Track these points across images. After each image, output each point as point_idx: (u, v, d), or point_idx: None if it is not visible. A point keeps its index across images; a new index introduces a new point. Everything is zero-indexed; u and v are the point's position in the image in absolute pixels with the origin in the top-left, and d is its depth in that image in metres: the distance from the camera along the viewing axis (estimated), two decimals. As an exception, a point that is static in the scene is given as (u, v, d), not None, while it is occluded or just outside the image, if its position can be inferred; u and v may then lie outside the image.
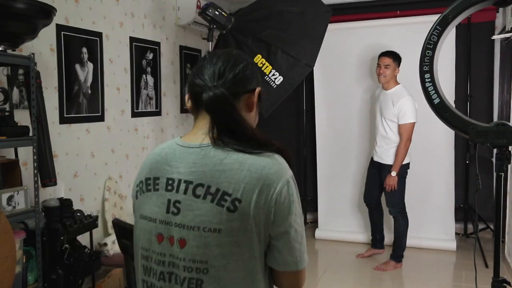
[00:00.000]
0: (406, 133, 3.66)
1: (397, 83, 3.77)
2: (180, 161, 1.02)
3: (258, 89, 1.09)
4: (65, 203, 2.75)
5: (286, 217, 0.98)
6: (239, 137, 1.00)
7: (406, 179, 3.86)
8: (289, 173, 1.01)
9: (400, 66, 3.89)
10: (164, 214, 1.00)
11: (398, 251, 3.89)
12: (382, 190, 3.89)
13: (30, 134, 2.44)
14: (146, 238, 1.03)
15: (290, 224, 0.99)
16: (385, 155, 3.81)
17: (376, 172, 3.93)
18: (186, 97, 1.10)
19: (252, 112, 1.10)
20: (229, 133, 1.00)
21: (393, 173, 3.70)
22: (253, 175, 0.96)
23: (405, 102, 3.64)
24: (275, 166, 0.99)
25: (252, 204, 0.95)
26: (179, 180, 1.00)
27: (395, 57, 3.74)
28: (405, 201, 3.90)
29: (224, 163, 0.97)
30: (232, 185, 0.95)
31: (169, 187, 1.01)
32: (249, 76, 1.07)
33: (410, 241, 4.16)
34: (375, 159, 3.91)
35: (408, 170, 3.83)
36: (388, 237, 4.26)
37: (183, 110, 4.46)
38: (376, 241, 4.13)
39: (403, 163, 3.73)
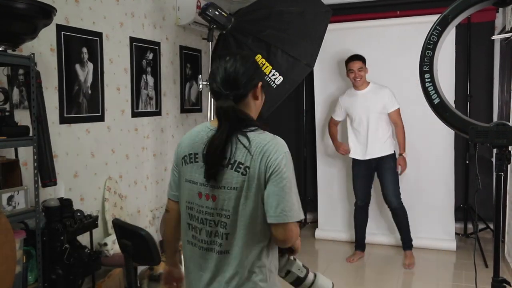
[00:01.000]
0: (399, 118, 3.92)
1: (368, 82, 4.00)
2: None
3: (261, 83, 1.48)
4: (65, 203, 2.76)
5: (279, 177, 1.36)
6: (246, 126, 1.42)
7: (406, 179, 3.98)
8: (285, 149, 1.42)
9: (397, 66, 4.08)
10: (202, 178, 1.43)
11: (409, 239, 4.00)
12: (370, 188, 4.09)
13: (30, 134, 2.44)
14: (191, 194, 1.47)
15: (282, 180, 1.36)
16: (383, 148, 3.91)
17: (369, 172, 4.02)
18: (210, 90, 1.49)
19: (258, 100, 1.50)
20: (239, 125, 1.40)
21: (405, 154, 3.90)
22: (258, 150, 1.38)
23: (388, 92, 3.91)
24: (274, 144, 1.40)
25: (256, 169, 1.37)
26: None
27: (363, 59, 3.96)
28: (405, 201, 3.99)
29: (241, 142, 1.38)
30: (244, 157, 1.37)
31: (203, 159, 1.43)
32: (254, 75, 1.46)
33: (410, 241, 4.16)
34: (370, 156, 3.93)
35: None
36: (387, 237, 4.27)
37: (183, 110, 4.46)
38: (364, 244, 4.18)
39: (391, 152, 3.94)
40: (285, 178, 1.37)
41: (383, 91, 3.91)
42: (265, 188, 1.37)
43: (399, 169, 3.91)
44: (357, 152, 4.02)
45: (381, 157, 3.91)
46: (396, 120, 3.91)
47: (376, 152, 3.92)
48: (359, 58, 3.94)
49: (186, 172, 1.48)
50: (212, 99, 1.57)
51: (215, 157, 1.38)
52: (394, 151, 3.96)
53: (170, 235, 1.70)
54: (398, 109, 3.90)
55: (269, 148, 1.38)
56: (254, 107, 1.50)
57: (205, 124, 1.51)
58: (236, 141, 1.38)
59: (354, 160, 4.07)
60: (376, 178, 4.05)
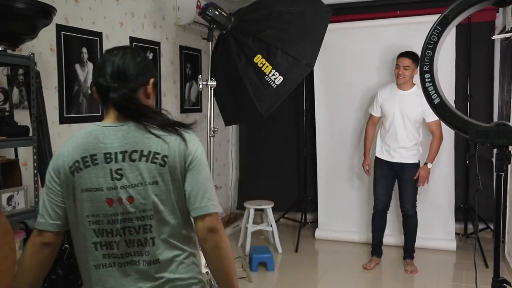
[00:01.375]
0: (439, 129, 3.76)
1: (414, 83, 3.78)
2: (111, 137, 1.27)
3: (152, 80, 1.36)
4: (65, 203, 2.75)
5: (200, 164, 1.29)
6: (149, 118, 1.28)
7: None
8: (198, 139, 1.33)
9: None
10: (109, 181, 1.24)
11: (413, 249, 3.94)
12: (392, 191, 3.94)
13: (30, 134, 2.44)
14: (94, 206, 1.24)
15: (203, 168, 1.29)
16: (407, 155, 3.78)
17: (391, 174, 3.87)
18: (93, 89, 1.33)
19: (150, 99, 1.36)
20: (141, 117, 1.28)
21: (429, 165, 3.76)
22: (175, 137, 1.27)
23: None
24: (185, 131, 1.31)
25: (176, 157, 1.25)
26: (115, 153, 1.26)
27: (414, 58, 3.69)
28: None
29: (152, 132, 1.26)
30: (160, 146, 1.25)
31: (108, 160, 1.25)
32: (144, 70, 1.33)
33: (410, 241, 4.16)
34: (396, 160, 3.80)
35: None
36: (389, 238, 4.27)
37: (183, 110, 4.46)
38: (381, 250, 4.04)
39: (416, 162, 3.82)
40: (205, 165, 1.30)
41: (424, 98, 3.71)
42: (184, 178, 1.27)
43: (417, 177, 3.78)
44: (382, 151, 3.88)
45: (403, 164, 3.79)
46: (434, 130, 3.76)
47: (398, 157, 3.79)
48: (409, 55, 3.70)
49: (81, 181, 1.25)
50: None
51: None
52: (419, 160, 3.85)
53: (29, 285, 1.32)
54: (439, 120, 3.59)
55: (184, 134, 1.29)
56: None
57: (90, 127, 1.32)
58: (146, 130, 1.26)
59: (377, 159, 3.92)
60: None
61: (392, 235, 4.39)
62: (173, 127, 1.29)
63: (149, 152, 1.23)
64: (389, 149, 3.83)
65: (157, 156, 1.23)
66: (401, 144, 3.78)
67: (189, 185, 1.27)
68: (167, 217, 1.25)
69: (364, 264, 3.98)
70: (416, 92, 3.72)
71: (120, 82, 1.27)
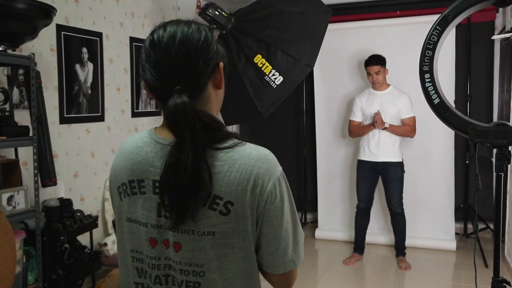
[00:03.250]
0: (413, 124, 3.88)
1: (388, 83, 3.96)
2: (163, 160, 0.93)
3: (221, 65, 0.98)
4: (65, 203, 2.76)
5: (279, 211, 0.94)
6: (209, 133, 0.92)
7: (406, 179, 3.95)
8: (279, 170, 0.95)
9: (398, 66, 4.01)
10: (156, 218, 0.94)
11: (403, 246, 4.02)
12: (374, 192, 4.05)
13: (30, 134, 2.44)
14: (138, 241, 0.98)
15: (283, 215, 0.95)
16: (390, 153, 3.88)
17: (374, 175, 3.98)
18: (143, 85, 1.02)
19: (220, 89, 1.01)
20: (205, 136, 0.91)
21: (387, 124, 3.81)
22: (243, 176, 0.90)
23: (407, 99, 3.88)
24: (264, 165, 0.92)
25: (244, 205, 0.91)
26: None
27: (381, 61, 3.88)
28: (405, 201, 3.99)
29: (213, 165, 0.90)
30: (223, 188, 0.90)
31: (157, 190, 0.93)
32: (210, 55, 0.95)
33: (409, 240, 4.17)
34: (380, 159, 3.89)
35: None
36: (388, 237, 4.27)
37: (183, 110, 4.46)
38: (363, 247, 4.16)
39: (400, 160, 3.90)
40: (287, 211, 0.96)
41: (402, 96, 3.87)
42: (258, 228, 0.94)
43: (399, 172, 3.89)
44: (365, 153, 3.98)
45: (387, 163, 3.87)
46: (408, 124, 3.88)
47: (382, 156, 3.88)
48: (377, 62, 3.86)
49: (126, 208, 0.98)
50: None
51: (185, 188, 0.88)
52: (402, 160, 3.93)
53: None
54: (414, 117, 3.86)
55: (259, 171, 0.91)
56: (216, 101, 1.01)
57: (146, 134, 1.01)
58: (206, 165, 0.89)
59: (359, 161, 4.04)
60: (380, 182, 4.03)
61: (386, 235, 4.42)
62: (245, 160, 0.92)
63: (208, 194, 0.90)
64: (372, 149, 3.92)
65: (217, 201, 0.90)
66: (384, 142, 3.87)
67: (264, 239, 0.95)
68: (221, 277, 0.94)
69: (345, 259, 4.07)
70: (392, 91, 3.93)
71: (181, 81, 0.91)
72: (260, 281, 1.01)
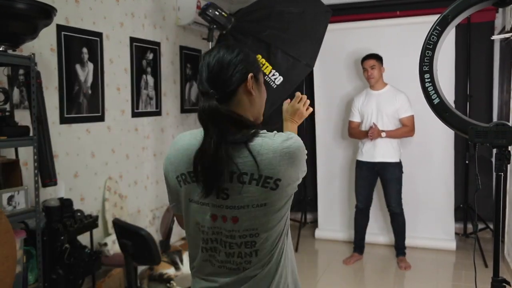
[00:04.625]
0: (411, 124, 3.88)
1: (385, 82, 3.96)
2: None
3: (250, 75, 1.23)
4: (66, 203, 2.76)
5: (300, 173, 1.23)
6: (244, 128, 1.19)
7: (406, 179, 3.96)
8: (301, 142, 1.22)
9: (397, 66, 4.02)
10: (215, 199, 1.19)
11: (403, 246, 4.02)
12: (372, 192, 4.06)
13: (31, 134, 2.45)
14: (200, 217, 1.23)
15: (299, 176, 1.24)
16: (388, 154, 3.88)
17: (372, 175, 3.99)
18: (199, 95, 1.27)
19: (253, 95, 1.25)
20: (235, 128, 1.18)
21: (383, 134, 3.83)
22: (283, 156, 1.16)
23: (405, 97, 3.88)
24: (294, 143, 1.20)
25: (286, 179, 1.17)
26: None
27: (378, 58, 3.91)
28: (405, 201, 4.00)
29: (260, 153, 1.16)
30: (271, 170, 1.15)
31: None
32: (241, 65, 1.22)
33: (409, 240, 4.17)
34: (378, 159, 3.90)
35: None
36: (387, 237, 4.27)
37: (183, 110, 4.46)
38: (363, 247, 4.17)
39: (397, 161, 3.90)
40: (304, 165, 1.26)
41: (398, 95, 3.87)
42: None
43: (396, 173, 3.89)
44: (362, 153, 4.00)
45: (385, 164, 3.88)
46: (407, 125, 3.87)
47: (380, 156, 3.88)
48: (373, 56, 3.90)
49: (189, 192, 1.24)
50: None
51: (213, 171, 1.15)
52: (400, 160, 3.93)
53: None
54: (412, 116, 3.86)
55: (292, 149, 1.19)
56: (250, 105, 1.25)
57: (198, 132, 1.24)
58: (225, 152, 1.15)
59: (358, 162, 4.05)
60: (379, 182, 4.03)
61: (385, 235, 4.42)
62: (278, 143, 1.18)
63: (260, 176, 1.16)
64: (369, 149, 3.93)
65: (268, 180, 1.16)
66: (381, 142, 3.87)
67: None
68: (270, 234, 1.22)
69: (345, 259, 4.07)
70: (389, 90, 3.94)
71: (215, 87, 1.18)
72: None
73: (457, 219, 4.46)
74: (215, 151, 1.13)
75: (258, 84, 1.27)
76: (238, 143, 1.16)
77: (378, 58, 3.90)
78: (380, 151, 3.88)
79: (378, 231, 4.45)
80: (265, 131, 1.22)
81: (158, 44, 4.03)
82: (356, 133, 4.07)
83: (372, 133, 3.80)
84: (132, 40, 3.67)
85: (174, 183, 1.26)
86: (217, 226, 1.21)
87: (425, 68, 1.88)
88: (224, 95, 1.19)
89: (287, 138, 1.20)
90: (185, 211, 1.28)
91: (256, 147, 1.17)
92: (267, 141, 1.18)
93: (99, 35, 3.31)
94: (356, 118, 4.08)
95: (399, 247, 4.01)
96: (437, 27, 1.85)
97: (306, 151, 1.25)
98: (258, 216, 1.19)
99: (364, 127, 3.99)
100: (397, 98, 3.86)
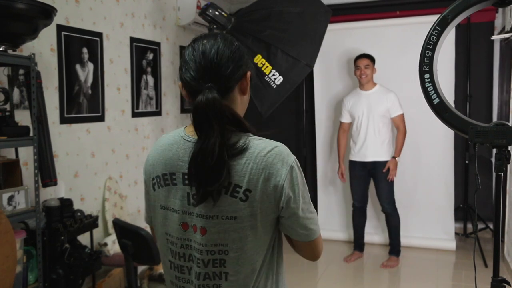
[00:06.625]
0: (402, 123, 3.91)
1: (374, 82, 3.98)
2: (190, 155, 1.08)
3: (248, 73, 1.14)
4: (66, 203, 2.76)
5: (293, 201, 1.06)
6: (241, 131, 1.08)
7: (406, 179, 4.01)
8: (291, 158, 1.07)
9: (397, 66, 4.06)
10: (186, 205, 1.09)
11: (397, 246, 4.02)
12: (367, 190, 4.08)
13: (31, 134, 2.45)
14: (171, 226, 1.12)
15: (298, 206, 1.07)
16: (381, 152, 3.90)
17: (365, 174, 4.00)
18: (180, 84, 1.14)
19: (245, 95, 1.16)
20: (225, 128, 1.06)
21: (398, 158, 3.87)
22: (258, 166, 1.04)
23: (395, 96, 3.90)
24: (278, 156, 1.05)
25: (258, 192, 1.03)
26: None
27: (371, 58, 3.94)
28: (405, 200, 4.05)
29: (231, 155, 1.04)
30: (241, 178, 1.03)
31: (186, 182, 1.09)
32: (241, 62, 1.11)
33: (409, 240, 4.17)
34: (369, 159, 3.92)
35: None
36: (382, 236, 4.27)
37: (183, 110, 4.46)
38: (362, 244, 4.19)
39: (389, 160, 3.92)
40: (303, 195, 1.09)
41: (388, 94, 3.89)
42: (279, 212, 1.08)
43: (388, 171, 3.88)
44: (354, 153, 4.02)
45: (376, 163, 3.90)
46: (399, 124, 3.90)
47: (371, 155, 3.91)
48: (367, 56, 3.94)
49: (160, 197, 1.13)
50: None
51: (211, 171, 1.02)
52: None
53: None
54: (402, 114, 3.89)
55: (274, 162, 1.04)
56: (241, 105, 1.15)
57: (177, 132, 1.15)
58: (227, 153, 1.03)
59: (350, 162, 4.07)
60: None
61: (383, 235, 4.42)
62: (261, 152, 1.05)
63: (229, 183, 1.03)
64: (362, 149, 3.94)
65: (238, 189, 1.03)
66: (372, 142, 3.90)
67: (288, 223, 1.10)
68: (243, 254, 1.07)
69: (345, 257, 4.11)
70: (379, 90, 3.96)
71: (212, 81, 1.05)
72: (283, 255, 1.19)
73: (457, 219, 4.47)
74: (220, 152, 1.01)
75: (250, 85, 1.16)
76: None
77: (371, 58, 3.94)
78: (371, 151, 3.90)
79: (373, 231, 4.45)
80: (250, 134, 1.10)
81: (158, 44, 4.03)
82: (339, 141, 4.16)
83: (392, 174, 3.86)
84: (132, 40, 3.67)
85: (148, 187, 1.18)
86: (186, 237, 1.10)
87: (425, 68, 1.88)
88: (220, 91, 1.06)
89: (272, 147, 1.06)
90: (154, 220, 1.18)
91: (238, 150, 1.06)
92: (253, 144, 1.06)
93: (99, 35, 3.31)
94: (346, 119, 4.11)
95: (393, 246, 4.02)
96: (437, 27, 1.85)
97: (297, 166, 1.07)
98: (228, 230, 1.05)
99: (356, 128, 4.00)
100: (387, 97, 3.88)
